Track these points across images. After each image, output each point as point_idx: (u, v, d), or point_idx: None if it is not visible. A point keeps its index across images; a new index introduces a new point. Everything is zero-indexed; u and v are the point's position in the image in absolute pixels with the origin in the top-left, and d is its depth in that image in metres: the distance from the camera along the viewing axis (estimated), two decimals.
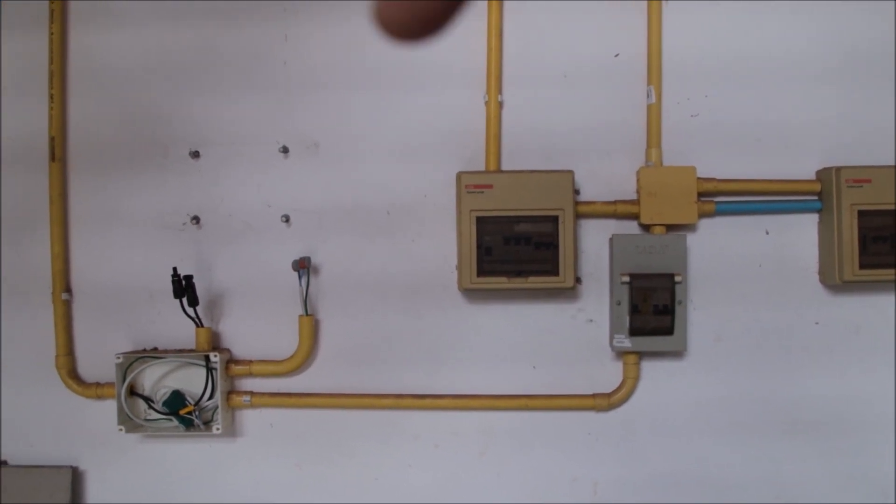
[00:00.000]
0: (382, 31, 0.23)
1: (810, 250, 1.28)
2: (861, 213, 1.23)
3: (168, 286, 1.23)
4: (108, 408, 1.27)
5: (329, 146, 1.28)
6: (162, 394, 1.26)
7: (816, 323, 1.28)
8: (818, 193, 1.27)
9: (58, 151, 1.28)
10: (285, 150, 1.28)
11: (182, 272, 1.24)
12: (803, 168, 1.28)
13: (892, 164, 1.24)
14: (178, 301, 1.23)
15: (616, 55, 1.27)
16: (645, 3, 1.26)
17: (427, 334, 1.27)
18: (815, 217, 1.28)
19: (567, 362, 1.27)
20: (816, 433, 1.28)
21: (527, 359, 1.27)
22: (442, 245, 1.26)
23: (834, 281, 1.24)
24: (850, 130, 1.28)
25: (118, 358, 1.23)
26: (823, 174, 1.27)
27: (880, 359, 1.28)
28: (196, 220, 1.28)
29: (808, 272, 1.28)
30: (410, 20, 0.23)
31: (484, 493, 1.27)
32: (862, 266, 1.22)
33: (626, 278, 1.21)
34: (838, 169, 1.23)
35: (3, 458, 1.32)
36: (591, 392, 1.26)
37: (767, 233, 1.28)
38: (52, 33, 1.27)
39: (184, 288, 1.24)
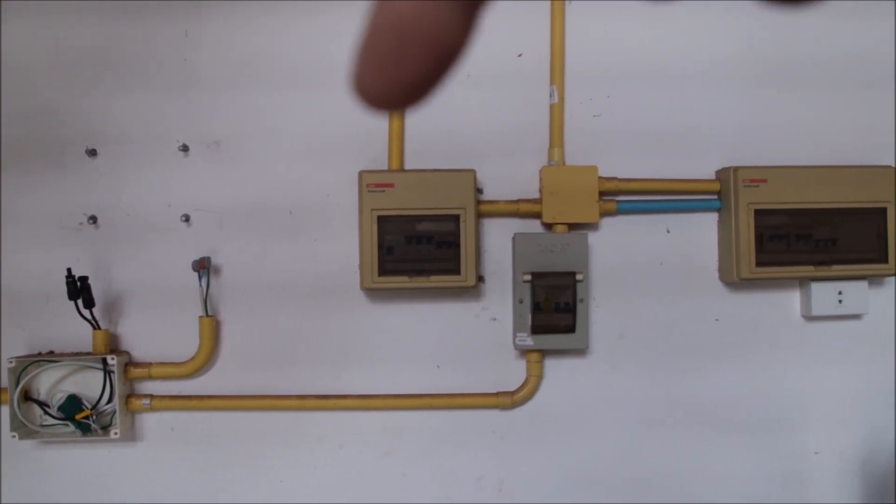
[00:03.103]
0: (363, 101, 0.22)
1: (710, 248, 1.30)
2: (757, 212, 1.25)
3: (65, 288, 1.20)
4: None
5: (230, 145, 1.26)
6: (58, 398, 1.23)
7: (716, 319, 1.30)
8: (717, 193, 1.30)
9: None
10: (185, 148, 1.25)
11: (79, 273, 1.20)
12: (704, 168, 1.30)
13: (788, 164, 1.27)
14: (73, 303, 1.20)
15: (519, 55, 1.28)
16: (548, 3, 1.27)
17: (330, 335, 1.26)
18: (714, 216, 1.31)
19: (471, 361, 1.27)
20: (719, 428, 1.30)
21: (431, 358, 1.27)
22: (345, 245, 1.25)
23: (732, 278, 1.27)
24: (749, 132, 1.31)
25: (10, 362, 1.20)
26: (722, 174, 1.29)
27: (777, 354, 1.31)
28: (93, 219, 1.25)
29: (708, 270, 1.30)
30: (393, 93, 0.21)
31: (390, 493, 1.27)
32: (758, 264, 1.25)
33: (528, 277, 1.22)
34: (735, 169, 1.26)
35: None
36: (495, 391, 1.26)
37: (668, 231, 1.30)
38: None
39: (79, 289, 1.21)
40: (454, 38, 0.21)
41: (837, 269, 1.27)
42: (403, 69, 0.21)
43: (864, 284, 1.29)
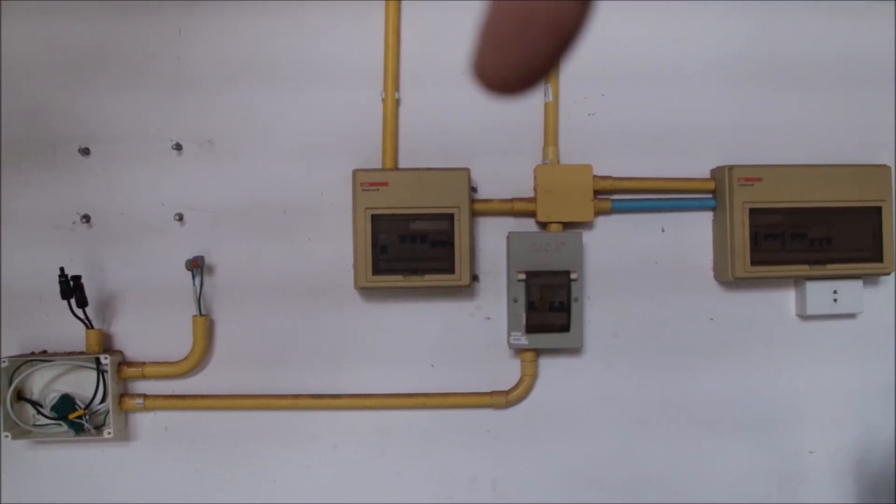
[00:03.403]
0: (483, 85, 0.22)
1: (705, 247, 1.30)
2: (752, 211, 1.25)
3: (58, 287, 1.19)
4: None
5: (224, 144, 1.25)
6: (51, 398, 1.23)
7: (711, 319, 1.30)
8: (712, 192, 1.29)
9: None
10: (179, 147, 1.25)
11: (72, 272, 1.20)
12: (699, 167, 1.30)
13: (783, 163, 1.27)
14: (66, 302, 1.20)
15: None
16: None
17: (324, 334, 1.26)
18: (709, 215, 1.30)
19: (466, 360, 1.27)
20: (713, 427, 1.30)
21: (425, 357, 1.26)
22: (339, 244, 1.25)
23: (727, 278, 1.26)
24: (744, 131, 1.31)
25: (3, 361, 1.19)
26: (717, 173, 1.29)
27: (772, 353, 1.30)
28: (86, 218, 1.25)
29: (703, 269, 1.30)
30: (514, 76, 0.21)
31: (384, 493, 1.27)
32: (753, 263, 1.25)
33: (523, 276, 1.21)
34: (731, 168, 1.25)
35: None
36: (489, 390, 1.26)
37: (663, 230, 1.29)
38: None
39: (72, 289, 1.20)
40: (575, 20, 0.21)
41: (832, 268, 1.26)
42: (526, 52, 0.21)
43: (858, 283, 1.29)
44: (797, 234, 1.26)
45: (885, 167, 1.27)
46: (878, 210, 1.27)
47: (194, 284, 1.23)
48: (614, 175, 1.26)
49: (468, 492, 1.27)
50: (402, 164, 1.26)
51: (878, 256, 1.27)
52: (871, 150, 1.32)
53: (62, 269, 1.19)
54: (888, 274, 1.27)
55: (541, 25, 0.20)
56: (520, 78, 0.22)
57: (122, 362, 1.25)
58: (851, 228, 1.27)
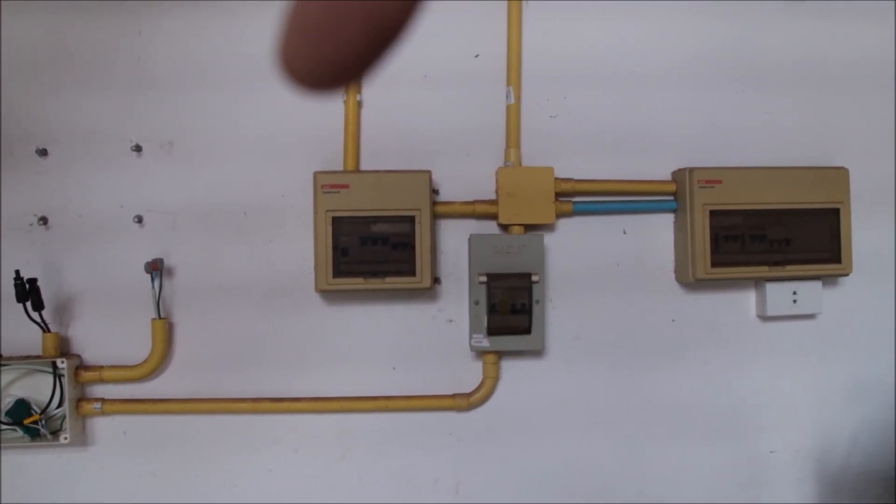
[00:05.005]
0: (288, 77, 0.19)
1: (666, 249, 1.31)
2: (713, 213, 1.26)
3: (13, 290, 1.17)
4: None
5: (184, 145, 1.24)
6: (6, 403, 1.21)
7: (673, 320, 1.31)
8: (673, 194, 1.30)
9: None
10: (138, 148, 1.24)
11: (29, 275, 1.18)
12: (660, 169, 1.31)
13: (743, 165, 1.28)
14: (22, 305, 1.18)
15: (476, 56, 1.28)
16: (505, 3, 1.27)
17: (286, 337, 1.25)
18: (670, 217, 1.31)
19: (428, 363, 1.26)
20: (675, 427, 1.31)
21: (387, 360, 1.26)
22: (300, 246, 1.24)
23: (688, 279, 1.27)
24: (704, 133, 1.32)
25: None
26: (678, 175, 1.30)
27: (733, 354, 1.31)
28: (44, 220, 1.23)
29: (664, 270, 1.31)
30: (320, 70, 0.19)
31: (346, 496, 1.26)
32: (714, 264, 1.26)
33: (484, 278, 1.21)
34: (691, 170, 1.26)
35: None
36: (451, 392, 1.26)
37: (625, 232, 1.30)
38: None
39: (27, 291, 1.18)
40: (394, 16, 0.18)
41: (792, 270, 1.28)
42: (335, 45, 0.18)
43: (818, 284, 1.30)
44: (757, 235, 1.27)
45: (842, 169, 1.29)
46: (837, 212, 1.29)
47: (153, 287, 1.21)
48: (576, 177, 1.26)
49: (431, 495, 1.27)
50: (363, 166, 1.25)
51: (836, 258, 1.29)
52: (830, 152, 1.33)
53: (17, 272, 1.17)
54: (846, 275, 1.29)
55: (353, 16, 0.18)
56: (327, 73, 0.19)
57: (80, 366, 1.24)
58: (810, 230, 1.28)
